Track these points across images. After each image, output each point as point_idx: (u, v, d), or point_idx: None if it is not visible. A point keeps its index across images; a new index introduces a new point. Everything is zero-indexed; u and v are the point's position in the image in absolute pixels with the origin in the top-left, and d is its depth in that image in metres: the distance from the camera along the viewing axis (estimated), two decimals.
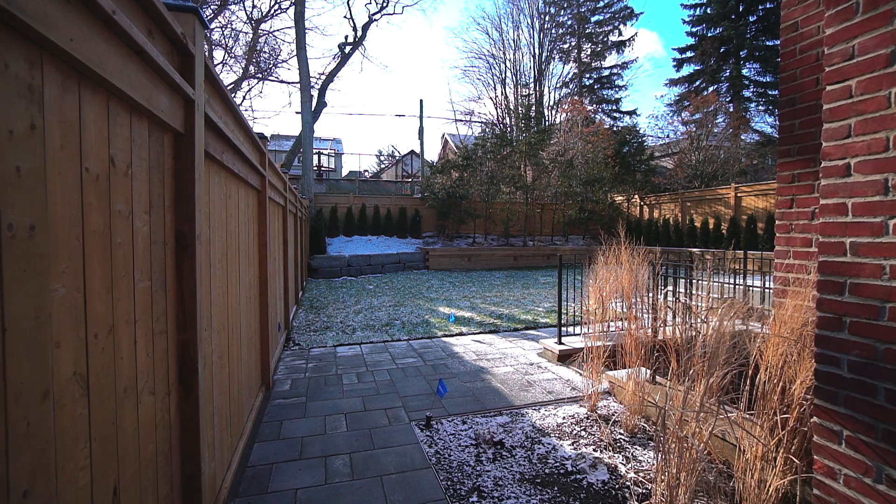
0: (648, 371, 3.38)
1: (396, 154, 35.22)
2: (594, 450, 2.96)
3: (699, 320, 2.64)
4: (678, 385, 2.77)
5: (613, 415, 3.52)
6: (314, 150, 21.92)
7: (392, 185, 23.93)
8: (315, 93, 18.28)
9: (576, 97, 28.35)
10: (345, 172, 31.93)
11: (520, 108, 27.88)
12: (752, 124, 23.56)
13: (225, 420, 2.44)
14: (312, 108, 17.16)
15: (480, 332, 6.30)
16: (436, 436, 3.16)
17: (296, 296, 8.19)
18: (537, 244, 18.48)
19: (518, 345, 5.62)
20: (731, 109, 22.08)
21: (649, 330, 3.37)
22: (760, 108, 24.30)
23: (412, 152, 31.67)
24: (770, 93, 24.54)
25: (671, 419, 2.11)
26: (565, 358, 4.86)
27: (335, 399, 3.84)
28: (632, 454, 2.90)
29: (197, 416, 1.70)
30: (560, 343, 5.01)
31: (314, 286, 11.40)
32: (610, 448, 2.98)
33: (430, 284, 11.73)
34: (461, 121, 29.64)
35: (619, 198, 20.49)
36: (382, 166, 39.94)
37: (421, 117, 21.03)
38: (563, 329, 5.20)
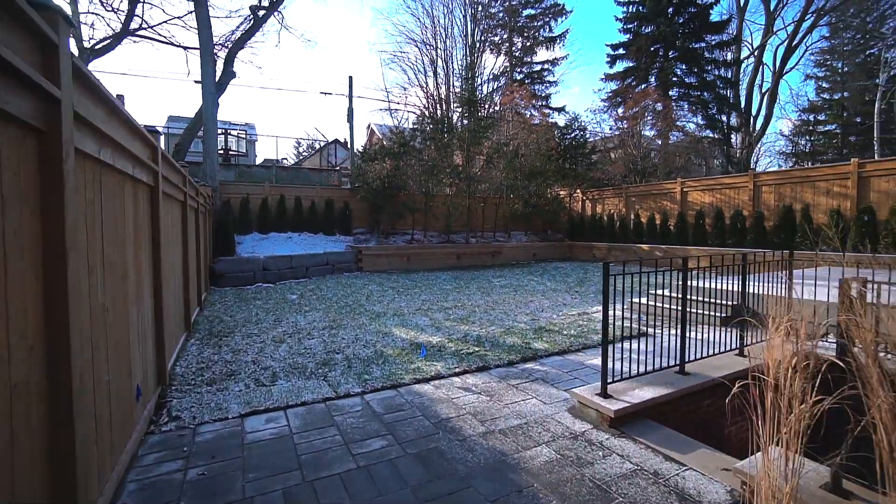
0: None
1: (319, 143, 31.75)
2: None
3: None
4: None
5: None
6: (220, 131, 18.52)
7: (316, 174, 21.03)
8: (221, 61, 15.13)
9: (510, 86, 27.37)
10: (259, 161, 28.20)
11: (452, 95, 26.30)
12: (680, 122, 24.13)
13: None
14: (217, 78, 14.07)
15: (465, 372, 4.40)
16: None
17: (186, 320, 5.71)
18: (480, 241, 16.98)
19: (530, 393, 3.83)
20: (661, 108, 22.31)
21: None
22: (687, 107, 24.99)
23: (336, 141, 28.75)
24: (693, 93, 25.37)
25: None
26: (622, 421, 3.16)
27: None
28: None
29: None
30: (606, 396, 3.30)
31: (218, 298, 8.75)
32: None
33: (369, 291, 9.60)
34: (395, 106, 27.35)
35: (562, 192, 19.66)
36: (302, 157, 36.15)
37: (350, 97, 18.50)
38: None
